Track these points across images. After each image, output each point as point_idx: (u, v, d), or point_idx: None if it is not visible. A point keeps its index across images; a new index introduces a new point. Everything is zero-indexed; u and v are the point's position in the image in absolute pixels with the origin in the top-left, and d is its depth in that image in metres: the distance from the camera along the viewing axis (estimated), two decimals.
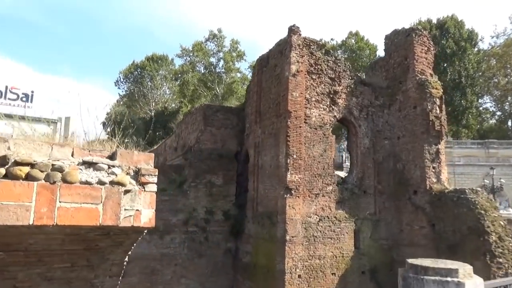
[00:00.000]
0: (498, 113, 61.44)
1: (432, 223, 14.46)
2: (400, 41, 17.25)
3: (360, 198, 16.00)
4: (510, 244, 12.75)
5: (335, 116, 16.11)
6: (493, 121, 63.43)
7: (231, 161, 18.73)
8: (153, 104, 71.61)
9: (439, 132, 15.43)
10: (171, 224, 16.90)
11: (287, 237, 13.87)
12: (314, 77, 15.85)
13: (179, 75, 66.25)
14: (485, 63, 55.41)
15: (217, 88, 60.35)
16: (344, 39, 58.42)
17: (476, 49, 52.87)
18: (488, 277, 12.24)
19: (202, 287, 17.23)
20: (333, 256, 14.68)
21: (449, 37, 50.72)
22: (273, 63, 16.78)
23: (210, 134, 18.85)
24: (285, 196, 14.23)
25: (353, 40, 57.56)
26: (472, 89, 50.47)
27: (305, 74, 15.48)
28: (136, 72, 74.24)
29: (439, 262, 6.64)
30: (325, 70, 16.14)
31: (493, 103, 60.68)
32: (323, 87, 16.01)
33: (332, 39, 69.95)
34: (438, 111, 15.56)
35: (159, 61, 73.93)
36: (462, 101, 49.89)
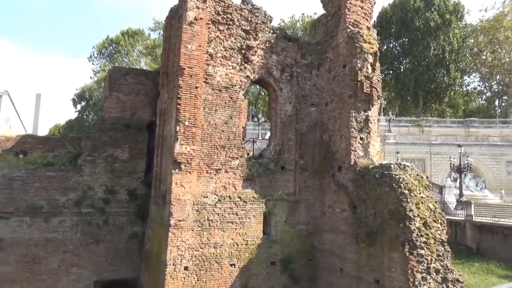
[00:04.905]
0: (486, 92, 58.55)
1: (354, 205, 11.87)
2: None
3: (276, 175, 13.36)
4: (437, 232, 10.19)
5: (247, 76, 13.32)
6: (481, 101, 60.56)
7: (140, 133, 16.01)
8: None
9: (370, 96, 12.65)
10: (59, 204, 14.33)
11: (172, 221, 11.30)
12: (221, 28, 13.00)
13: (152, 50, 62.97)
14: (473, 38, 52.17)
15: None
16: None
17: (462, 22, 49.60)
18: (406, 272, 9.76)
19: (100, 277, 14.80)
20: (234, 244, 12.13)
21: (433, 9, 47.42)
22: (180, 14, 13.88)
23: (117, 100, 16.05)
24: (172, 171, 11.61)
25: None
26: (456, 65, 47.39)
27: (207, 24, 12.63)
28: (111, 47, 71.21)
29: None
30: (238, 20, 13.27)
31: (481, 82, 57.72)
32: (234, 40, 13.17)
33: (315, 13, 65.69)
34: (369, 70, 12.75)
35: (135, 36, 70.69)
36: (445, 78, 46.97)
